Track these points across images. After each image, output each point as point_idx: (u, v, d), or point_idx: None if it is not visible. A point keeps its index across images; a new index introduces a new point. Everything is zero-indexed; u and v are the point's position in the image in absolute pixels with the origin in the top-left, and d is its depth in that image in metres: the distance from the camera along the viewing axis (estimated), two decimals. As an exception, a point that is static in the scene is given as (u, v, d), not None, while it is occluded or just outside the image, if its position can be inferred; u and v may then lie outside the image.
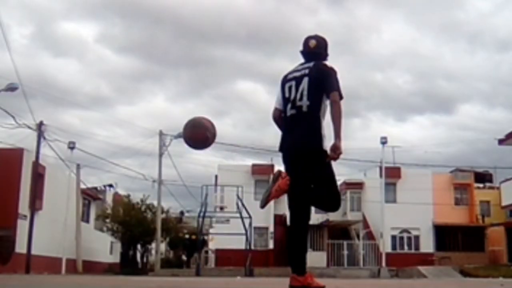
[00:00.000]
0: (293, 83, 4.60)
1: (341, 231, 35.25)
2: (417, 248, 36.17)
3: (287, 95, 4.63)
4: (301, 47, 4.73)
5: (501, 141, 31.10)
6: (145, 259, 38.08)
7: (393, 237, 35.67)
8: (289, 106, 4.60)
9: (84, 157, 30.68)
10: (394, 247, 35.45)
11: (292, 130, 4.57)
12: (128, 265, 33.55)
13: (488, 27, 65.05)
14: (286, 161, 4.67)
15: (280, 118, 4.75)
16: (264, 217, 35.00)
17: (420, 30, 68.82)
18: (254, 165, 36.86)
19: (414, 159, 63.22)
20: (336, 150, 4.30)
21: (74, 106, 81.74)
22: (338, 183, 38.13)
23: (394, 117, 79.19)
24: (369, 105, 66.54)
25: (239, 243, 28.37)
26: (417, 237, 36.24)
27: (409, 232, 36.28)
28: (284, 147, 4.65)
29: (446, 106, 73.21)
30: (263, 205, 4.70)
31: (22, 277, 14.36)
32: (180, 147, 41.43)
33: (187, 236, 40.19)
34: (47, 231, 26.51)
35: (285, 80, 4.69)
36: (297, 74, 4.62)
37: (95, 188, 37.35)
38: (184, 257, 42.66)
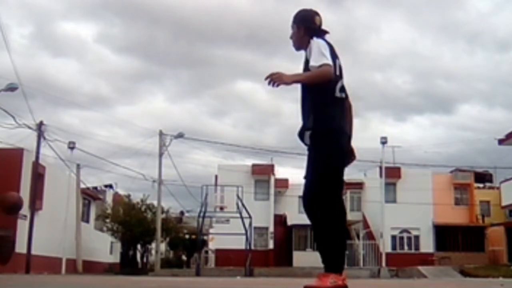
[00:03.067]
0: (341, 64, 4.04)
1: (341, 231, 35.22)
2: (417, 248, 36.19)
3: (337, 72, 3.94)
4: (314, 21, 4.12)
5: (501, 141, 31.11)
6: (145, 259, 38.10)
7: (393, 237, 35.70)
8: (339, 86, 3.93)
9: (84, 157, 30.74)
10: (394, 247, 35.48)
11: (346, 116, 4.01)
12: (128, 265, 33.59)
13: (488, 27, 65.07)
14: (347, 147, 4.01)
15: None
16: (264, 217, 35.06)
17: (419, 30, 68.84)
18: (254, 165, 36.89)
19: (414, 159, 63.17)
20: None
21: (74, 106, 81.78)
22: None
23: (393, 117, 79.21)
24: (369, 105, 66.34)
25: (239, 243, 28.38)
26: (417, 237, 36.26)
27: (409, 232, 36.30)
28: (346, 131, 3.98)
29: (445, 106, 73.29)
30: None
31: (22, 277, 14.35)
32: (180, 147, 41.49)
33: (187, 236, 40.23)
34: (47, 231, 26.52)
35: (334, 52, 3.97)
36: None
37: (95, 188, 37.37)
38: (184, 257, 42.69)
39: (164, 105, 76.47)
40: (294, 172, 70.76)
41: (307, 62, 3.90)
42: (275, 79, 3.72)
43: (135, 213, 33.98)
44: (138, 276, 19.64)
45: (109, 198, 38.44)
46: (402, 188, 35.35)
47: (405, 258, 32.64)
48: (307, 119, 3.91)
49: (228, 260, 30.83)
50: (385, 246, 31.76)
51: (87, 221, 34.44)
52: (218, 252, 34.77)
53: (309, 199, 3.85)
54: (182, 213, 46.58)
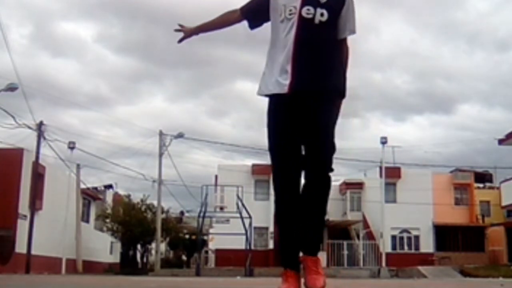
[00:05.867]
0: None
1: (341, 231, 35.28)
2: (417, 248, 36.20)
3: None
4: None
5: (501, 141, 31.14)
6: (145, 259, 38.09)
7: (393, 237, 35.70)
8: None
9: (84, 157, 30.77)
10: (394, 247, 35.48)
11: None
12: (128, 265, 33.58)
13: (487, 27, 64.97)
14: None
15: None
16: (264, 217, 35.04)
17: (419, 30, 68.75)
18: (254, 165, 36.88)
19: (414, 159, 63.13)
20: None
21: (73, 106, 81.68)
22: (338, 183, 37.12)
23: (393, 117, 79.14)
24: (368, 105, 66.31)
25: (239, 243, 28.38)
26: (417, 237, 36.26)
27: (409, 232, 36.30)
28: None
29: (445, 106, 73.21)
30: None
31: (22, 277, 14.36)
32: (180, 147, 41.53)
33: (187, 236, 40.20)
34: (47, 231, 26.52)
35: None
36: None
37: (95, 188, 37.39)
38: (184, 257, 42.67)
39: (163, 105, 76.45)
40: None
41: (330, 14, 3.14)
42: None
43: (135, 213, 33.98)
44: (138, 276, 19.63)
45: (109, 198, 38.45)
46: (402, 188, 35.35)
47: (405, 258, 32.65)
48: (326, 76, 3.16)
49: (228, 260, 30.82)
50: (385, 246, 31.76)
51: (87, 221, 34.45)
52: (218, 252, 34.75)
53: (329, 164, 3.17)
54: (182, 213, 46.54)
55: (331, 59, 3.19)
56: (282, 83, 3.12)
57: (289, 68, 3.11)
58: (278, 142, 3.17)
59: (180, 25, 3.54)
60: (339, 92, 3.22)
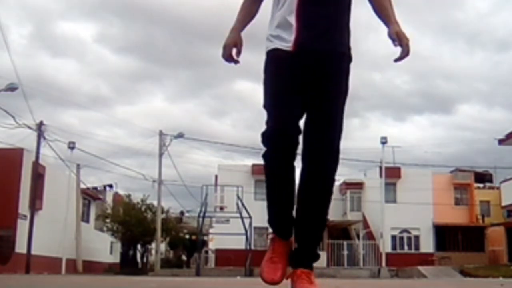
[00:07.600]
0: None
1: (341, 231, 35.28)
2: (417, 248, 36.19)
3: None
4: None
5: (501, 141, 31.16)
6: (145, 259, 38.12)
7: (393, 237, 35.69)
8: None
9: (84, 157, 30.80)
10: (394, 247, 35.47)
11: None
12: (128, 265, 33.62)
13: (487, 27, 65.01)
14: None
15: None
16: (264, 217, 34.86)
17: (419, 30, 68.57)
18: (254, 165, 36.84)
19: (414, 159, 63.23)
20: None
21: (73, 106, 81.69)
22: (338, 183, 37.27)
23: (393, 117, 79.11)
24: (368, 105, 66.28)
25: (239, 243, 28.38)
26: (417, 237, 36.26)
27: (409, 232, 36.30)
28: None
29: (445, 106, 73.22)
30: None
31: (22, 277, 14.35)
32: (180, 147, 41.53)
33: (187, 236, 40.24)
34: (47, 231, 26.52)
35: None
36: None
37: (95, 188, 37.41)
38: (184, 257, 42.71)
39: (163, 105, 76.50)
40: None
41: None
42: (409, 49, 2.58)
43: (135, 213, 34.01)
44: (138, 276, 19.63)
45: (109, 198, 38.47)
46: (402, 188, 35.34)
47: (405, 258, 32.65)
48: (339, 34, 2.57)
49: (228, 260, 30.82)
50: (385, 246, 31.76)
51: (87, 221, 34.46)
52: (218, 252, 34.75)
53: (335, 149, 2.54)
54: (182, 213, 46.60)
55: (343, 13, 2.60)
56: (286, 38, 2.48)
57: (293, 20, 2.47)
58: (278, 98, 2.49)
59: (237, 49, 2.81)
60: (350, 56, 2.61)
